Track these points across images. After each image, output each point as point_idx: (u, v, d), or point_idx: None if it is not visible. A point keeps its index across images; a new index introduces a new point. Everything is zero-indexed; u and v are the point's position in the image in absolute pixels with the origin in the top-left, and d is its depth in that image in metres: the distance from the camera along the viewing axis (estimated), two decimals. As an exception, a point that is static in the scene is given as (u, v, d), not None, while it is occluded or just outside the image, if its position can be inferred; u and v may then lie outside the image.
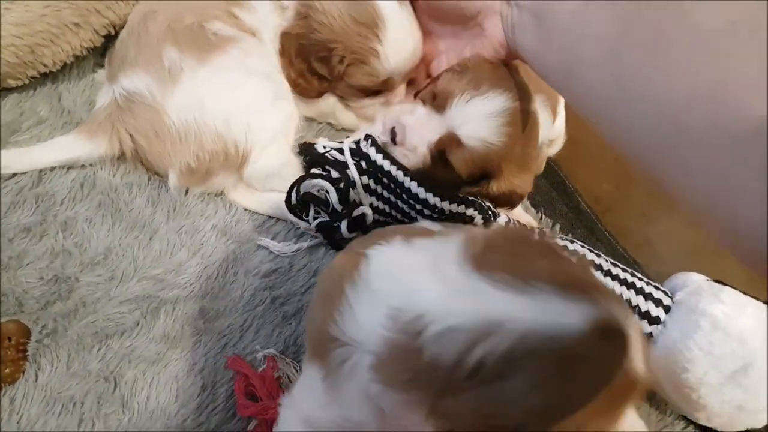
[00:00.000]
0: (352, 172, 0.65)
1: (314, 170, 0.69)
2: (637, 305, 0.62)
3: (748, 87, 0.36)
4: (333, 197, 0.65)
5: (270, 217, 0.74)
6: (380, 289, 0.41)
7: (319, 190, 0.67)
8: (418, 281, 0.39)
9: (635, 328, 0.36)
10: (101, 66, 0.76)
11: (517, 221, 0.75)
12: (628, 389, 0.35)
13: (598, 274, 0.65)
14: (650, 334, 0.64)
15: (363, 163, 0.66)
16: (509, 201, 0.70)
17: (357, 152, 0.66)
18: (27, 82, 0.71)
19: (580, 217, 0.84)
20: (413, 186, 0.63)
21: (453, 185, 0.67)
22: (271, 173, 0.72)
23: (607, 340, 0.34)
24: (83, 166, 0.70)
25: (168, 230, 0.69)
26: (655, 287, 0.66)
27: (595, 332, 0.33)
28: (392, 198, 0.66)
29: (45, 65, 0.70)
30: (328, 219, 0.67)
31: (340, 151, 0.68)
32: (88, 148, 0.68)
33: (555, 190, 0.85)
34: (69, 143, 0.68)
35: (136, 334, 0.62)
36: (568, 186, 0.86)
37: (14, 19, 0.65)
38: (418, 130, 0.65)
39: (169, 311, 0.64)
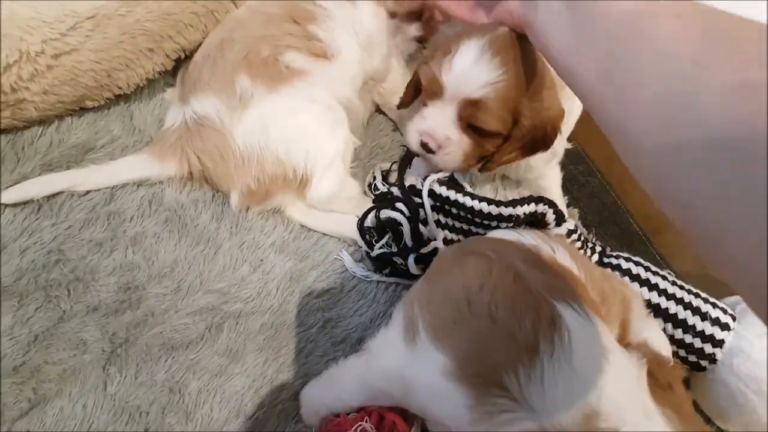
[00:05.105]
0: (427, 210, 0.67)
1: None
2: (702, 330, 0.62)
3: None
4: (406, 231, 0.66)
5: (324, 234, 0.76)
6: (582, 377, 0.40)
7: (392, 222, 0.68)
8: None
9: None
10: (170, 85, 0.80)
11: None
12: None
13: (655, 296, 0.65)
14: (713, 356, 0.63)
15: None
16: (544, 135, 0.65)
17: (417, 192, 0.68)
18: (103, 102, 0.74)
19: (631, 238, 0.83)
20: (483, 206, 0.64)
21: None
22: (332, 195, 0.74)
23: None
24: (151, 183, 0.73)
25: (231, 246, 0.71)
26: (715, 305, 0.66)
27: None
28: (464, 226, 0.67)
29: (120, 87, 0.74)
30: (393, 251, 0.68)
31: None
32: (158, 169, 0.71)
33: (607, 210, 0.85)
34: (141, 163, 0.71)
35: (201, 346, 0.64)
36: (620, 206, 0.86)
37: (94, 45, 0.69)
38: (437, 124, 0.64)
39: (232, 325, 0.66)
